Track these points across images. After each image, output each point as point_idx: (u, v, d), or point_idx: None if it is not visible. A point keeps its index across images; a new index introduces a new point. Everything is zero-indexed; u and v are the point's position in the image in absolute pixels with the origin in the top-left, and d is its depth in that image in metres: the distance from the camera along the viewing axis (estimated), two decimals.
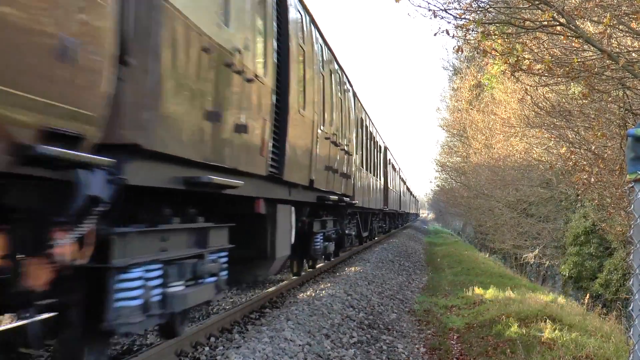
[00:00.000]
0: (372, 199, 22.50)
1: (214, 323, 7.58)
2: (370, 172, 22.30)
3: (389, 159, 32.58)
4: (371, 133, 23.24)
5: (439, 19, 9.14)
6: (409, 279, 16.98)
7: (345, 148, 14.31)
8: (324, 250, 13.05)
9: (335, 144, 12.63)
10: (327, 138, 11.68)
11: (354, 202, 15.94)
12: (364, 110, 20.79)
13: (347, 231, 16.70)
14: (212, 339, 7.19)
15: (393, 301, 12.27)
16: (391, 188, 32.78)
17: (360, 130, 19.11)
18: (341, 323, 8.77)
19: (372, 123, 24.02)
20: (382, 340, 8.43)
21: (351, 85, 16.58)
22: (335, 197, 12.35)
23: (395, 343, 8.45)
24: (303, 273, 13.00)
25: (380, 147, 27.67)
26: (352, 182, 15.92)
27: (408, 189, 58.30)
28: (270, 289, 10.76)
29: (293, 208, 9.68)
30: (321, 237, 12.47)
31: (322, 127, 11.16)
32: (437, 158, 54.22)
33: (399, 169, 42.62)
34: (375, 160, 25.05)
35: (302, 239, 11.43)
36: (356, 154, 17.25)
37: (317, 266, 14.40)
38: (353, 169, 16.06)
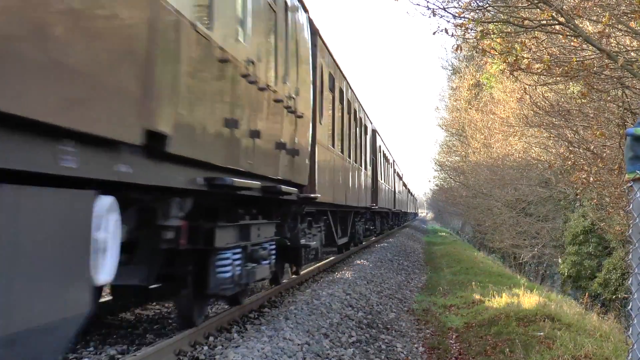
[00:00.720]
0: (353, 194, 17.17)
1: (212, 322, 7.58)
2: (350, 157, 16.75)
3: (379, 146, 27.06)
4: (350, 102, 16.92)
5: (438, 18, 9.18)
6: (408, 278, 16.98)
7: (289, 104, 8.66)
8: (247, 277, 7.52)
9: (257, 84, 6.99)
10: (223, 61, 6.01)
11: (312, 195, 10.39)
12: (338, 67, 14.79)
13: (304, 241, 11.01)
14: (211, 338, 7.18)
15: (392, 300, 12.27)
16: (382, 182, 27.61)
17: (328, 92, 13.24)
18: (340, 322, 8.77)
19: (354, 93, 18.15)
20: (381, 340, 8.43)
21: (306, 10, 10.76)
22: (257, 184, 6.89)
23: (394, 342, 8.45)
24: (203, 322, 7.25)
25: (366, 127, 21.79)
26: (307, 163, 10.30)
27: (405, 185, 52.41)
28: (269, 289, 10.75)
29: (111, 200, 4.19)
30: (236, 257, 7.13)
31: (209, 34, 5.62)
32: (436, 157, 54.32)
33: (394, 160, 37.22)
34: (359, 143, 19.38)
35: (196, 263, 6.64)
36: (319, 122, 11.68)
37: (247, 301, 8.88)
38: (309, 142, 10.44)
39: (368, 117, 22.88)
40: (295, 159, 9.20)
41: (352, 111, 17.72)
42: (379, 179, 26.02)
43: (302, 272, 12.67)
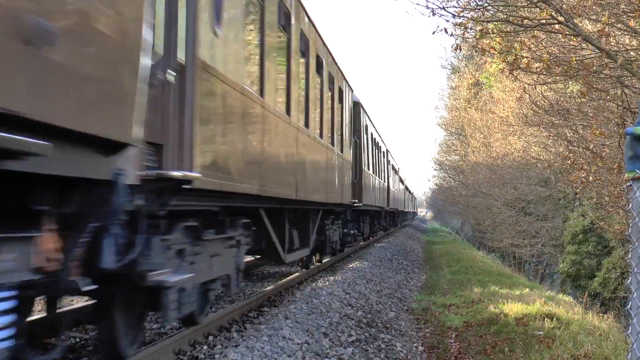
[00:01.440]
0: (315, 185, 11.74)
1: (212, 322, 7.58)
2: (307, 127, 11.01)
3: (365, 125, 20.62)
4: (305, 38, 10.93)
5: (438, 17, 9.17)
6: (407, 278, 16.98)
7: None
8: None
9: None
10: None
11: (172, 173, 5.04)
12: None
13: (163, 275, 5.15)
14: (211, 338, 7.18)
15: (391, 300, 12.27)
16: (370, 173, 21.81)
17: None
18: (339, 322, 8.77)
19: (315, 28, 11.97)
20: (380, 339, 8.43)
21: None
22: None
23: (394, 342, 8.45)
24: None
25: (341, 91, 15.34)
26: (137, 88, 4.17)
27: (402, 180, 46.32)
28: (268, 288, 10.75)
29: None
30: None
31: None
32: (435, 157, 54.40)
33: (387, 150, 31.30)
34: (327, 110, 13.32)
35: None
36: (212, 31, 6.18)
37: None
38: (144, 42, 4.30)
39: (345, 79, 15.86)
40: (68, 66, 3.41)
41: (310, 53, 11.47)
42: (365, 168, 19.97)
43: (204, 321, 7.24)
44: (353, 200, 17.09)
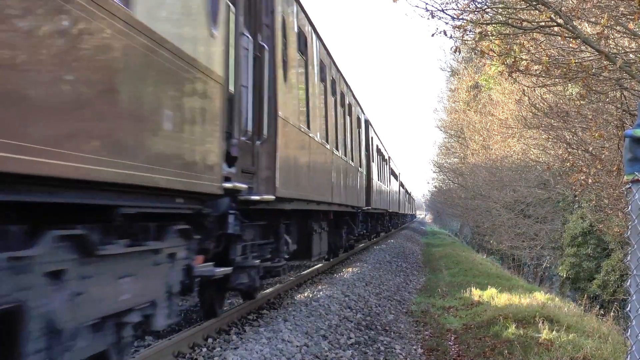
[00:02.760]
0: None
1: (211, 324, 7.57)
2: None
3: (293, 25, 9.39)
4: None
5: (437, 20, 9.13)
6: (407, 280, 16.97)
7: None
8: None
9: None
10: None
11: None
12: None
13: None
14: (210, 340, 7.17)
15: (390, 302, 12.26)
16: (313, 138, 10.84)
17: None
18: (339, 324, 8.76)
19: None
20: (379, 341, 8.43)
21: None
22: None
23: (393, 344, 8.44)
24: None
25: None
26: None
27: (394, 174, 37.43)
28: (267, 290, 10.75)
29: None
30: None
31: None
32: (434, 159, 54.36)
33: (367, 119, 22.29)
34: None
35: None
36: None
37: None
38: None
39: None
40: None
41: None
42: (291, 118, 9.19)
43: None
44: (234, 186, 6.34)
